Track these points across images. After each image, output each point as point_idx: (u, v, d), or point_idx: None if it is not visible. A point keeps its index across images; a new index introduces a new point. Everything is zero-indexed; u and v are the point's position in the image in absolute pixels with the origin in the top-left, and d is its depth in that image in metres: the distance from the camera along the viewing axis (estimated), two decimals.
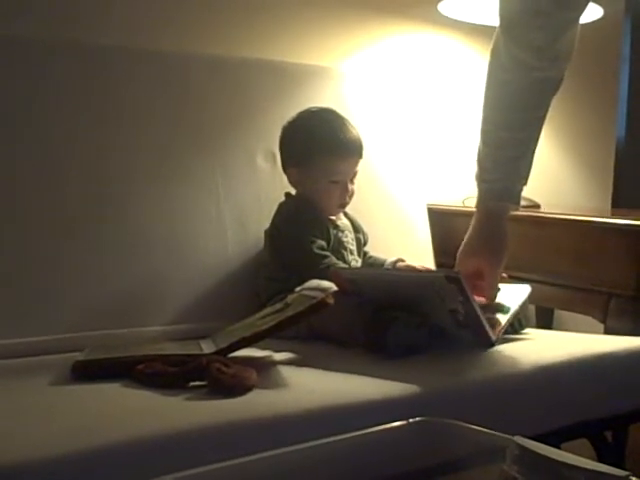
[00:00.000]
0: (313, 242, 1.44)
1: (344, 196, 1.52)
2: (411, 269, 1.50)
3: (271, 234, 1.51)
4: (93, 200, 1.44)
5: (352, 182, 1.53)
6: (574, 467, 0.68)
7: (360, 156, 1.54)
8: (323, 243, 1.46)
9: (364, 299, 1.28)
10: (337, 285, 1.24)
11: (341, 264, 1.45)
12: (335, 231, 1.51)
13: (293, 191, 1.56)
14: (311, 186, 1.51)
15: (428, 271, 1.50)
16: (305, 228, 1.46)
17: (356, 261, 1.53)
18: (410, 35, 2.08)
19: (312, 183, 1.51)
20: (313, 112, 1.56)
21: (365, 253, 1.59)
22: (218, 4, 1.80)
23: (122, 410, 0.98)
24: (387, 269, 1.50)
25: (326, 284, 1.24)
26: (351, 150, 1.52)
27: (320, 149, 1.50)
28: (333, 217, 1.54)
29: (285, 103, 1.64)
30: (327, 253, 1.45)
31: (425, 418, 0.89)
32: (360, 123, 1.72)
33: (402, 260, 1.55)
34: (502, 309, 1.34)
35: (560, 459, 0.69)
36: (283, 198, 1.54)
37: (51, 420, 0.94)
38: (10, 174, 1.39)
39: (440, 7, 1.96)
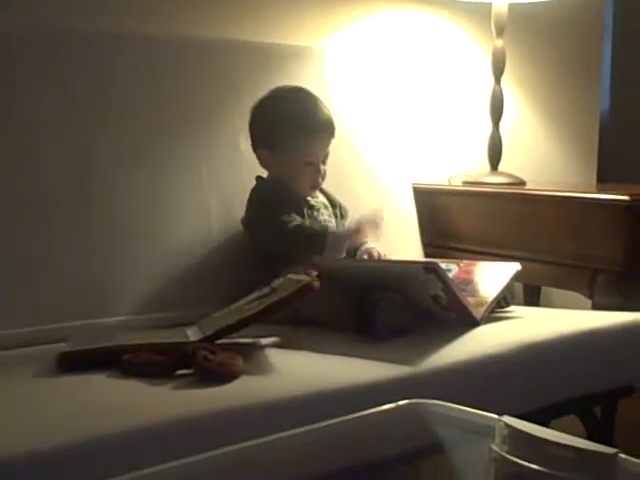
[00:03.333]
0: (277, 216, 1.42)
1: (316, 178, 1.50)
2: (386, 260, 1.48)
3: (245, 221, 1.50)
4: (75, 187, 1.43)
5: (324, 163, 1.50)
6: (563, 446, 0.67)
7: (332, 136, 1.51)
8: (286, 215, 1.43)
9: (347, 286, 1.27)
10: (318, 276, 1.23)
11: (311, 222, 1.43)
12: (310, 210, 1.49)
13: (265, 174, 1.54)
14: (282, 168, 1.49)
15: (406, 262, 1.48)
16: (276, 209, 1.44)
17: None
18: (392, 13, 2.06)
19: (283, 165, 1.49)
20: (284, 90, 1.53)
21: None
22: None
23: (109, 401, 0.97)
24: (365, 260, 1.47)
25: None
26: (322, 130, 1.49)
27: (290, 129, 1.47)
28: (308, 197, 1.52)
29: (267, 84, 1.62)
30: (291, 219, 1.42)
31: (413, 401, 0.88)
32: (343, 103, 1.71)
33: (372, 253, 1.49)
34: None
35: (549, 438, 0.68)
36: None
37: (37, 413, 0.94)
38: None
39: None
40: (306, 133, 1.47)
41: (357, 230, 1.42)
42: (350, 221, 1.54)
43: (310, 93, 1.53)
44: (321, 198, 1.55)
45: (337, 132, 1.52)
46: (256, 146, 1.53)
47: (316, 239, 1.39)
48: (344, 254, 1.43)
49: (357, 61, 1.87)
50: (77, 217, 1.41)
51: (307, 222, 1.46)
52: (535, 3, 2.02)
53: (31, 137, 1.41)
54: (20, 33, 1.45)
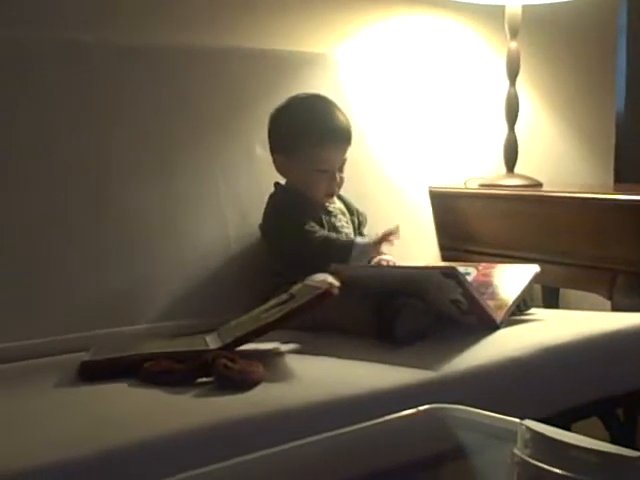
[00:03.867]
0: (300, 223, 1.43)
1: (332, 185, 1.49)
2: (404, 266, 1.48)
3: (263, 227, 1.51)
4: (93, 197, 1.43)
5: (341, 170, 1.50)
6: (585, 449, 0.67)
7: (348, 143, 1.51)
8: (311, 223, 1.44)
9: (367, 292, 1.27)
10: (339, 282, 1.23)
11: (337, 235, 1.44)
12: (327, 217, 1.50)
13: (282, 180, 1.54)
14: (297, 174, 1.49)
15: (424, 267, 1.48)
16: (295, 215, 1.44)
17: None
18: (405, 17, 2.05)
19: (298, 171, 1.49)
20: (301, 98, 1.53)
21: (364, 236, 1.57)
22: None
23: (129, 411, 0.97)
24: (384, 266, 1.46)
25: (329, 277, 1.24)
26: (337, 138, 1.49)
27: (305, 136, 1.47)
28: (325, 204, 1.52)
29: (281, 92, 1.62)
30: (316, 229, 1.43)
31: (434, 405, 0.88)
32: (358, 108, 1.71)
33: (385, 260, 1.49)
34: None
35: (571, 441, 0.68)
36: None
37: (58, 424, 0.94)
38: (10, 172, 1.37)
39: None
40: (320, 140, 1.47)
41: (380, 241, 1.43)
42: (369, 232, 1.55)
43: (328, 100, 1.53)
44: (338, 204, 1.55)
45: (352, 137, 1.52)
46: (273, 152, 1.53)
47: (342, 251, 1.40)
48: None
49: (371, 66, 1.87)
50: (94, 226, 1.42)
51: (325, 229, 1.46)
52: (549, 4, 2.01)
53: (45, 145, 1.41)
54: (36, 43, 1.46)
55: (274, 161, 1.53)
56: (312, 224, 1.44)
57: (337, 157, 1.49)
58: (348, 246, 1.42)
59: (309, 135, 1.47)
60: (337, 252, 1.40)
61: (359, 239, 1.46)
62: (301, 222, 1.43)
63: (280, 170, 1.53)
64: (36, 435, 0.90)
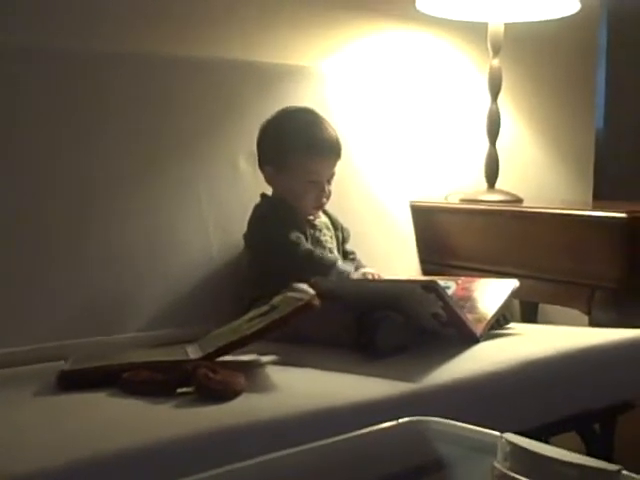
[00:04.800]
0: (286, 234, 1.43)
1: (320, 197, 1.51)
2: (385, 280, 1.49)
3: (247, 237, 1.51)
4: (76, 207, 1.43)
5: (329, 183, 1.52)
6: (566, 463, 0.68)
7: (338, 157, 1.52)
8: (297, 234, 1.45)
9: (347, 304, 1.28)
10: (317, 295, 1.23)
11: (321, 251, 1.45)
12: (312, 230, 1.50)
13: (269, 192, 1.54)
14: (287, 185, 1.50)
15: (405, 281, 1.49)
16: (280, 225, 1.45)
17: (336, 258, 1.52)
18: (389, 33, 2.07)
19: (288, 182, 1.50)
20: (292, 111, 1.55)
21: (346, 252, 1.58)
22: (196, 6, 1.79)
23: (109, 421, 0.97)
24: (364, 279, 1.48)
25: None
26: (327, 150, 1.50)
27: (296, 147, 1.49)
28: (310, 217, 1.53)
29: (265, 104, 1.63)
30: (302, 242, 1.44)
31: (414, 418, 0.89)
32: (341, 121, 1.72)
33: (370, 274, 1.51)
34: None
35: (551, 455, 0.68)
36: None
37: (35, 434, 0.93)
38: None
39: (418, 4, 1.95)
40: (311, 152, 1.48)
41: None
42: (352, 247, 1.58)
43: (317, 114, 1.54)
44: (324, 219, 1.56)
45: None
46: (262, 163, 1.54)
47: (322, 269, 1.41)
48: None
49: (355, 80, 1.88)
50: (76, 236, 1.41)
51: (309, 242, 1.47)
52: (531, 23, 2.03)
53: (28, 155, 1.41)
54: (22, 52, 1.45)
55: (263, 172, 1.53)
56: (298, 235, 1.45)
57: (327, 169, 1.51)
58: (329, 266, 1.43)
59: (300, 146, 1.48)
60: (317, 269, 1.40)
61: (341, 264, 1.46)
62: (286, 232, 1.44)
63: (269, 181, 1.53)
64: (13, 444, 0.90)
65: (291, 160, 1.48)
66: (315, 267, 1.40)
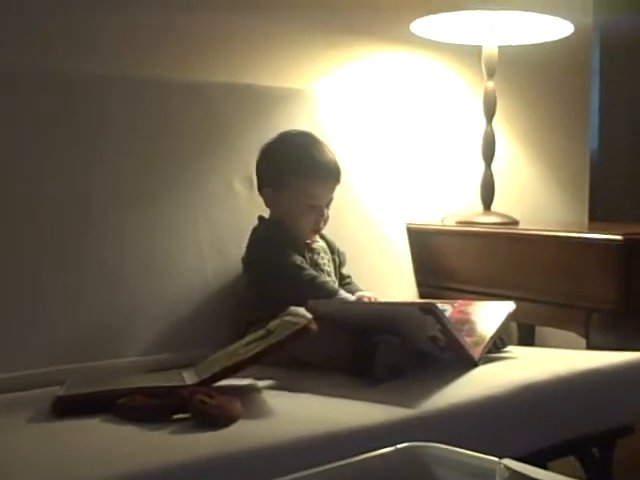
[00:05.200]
0: (289, 257, 1.43)
1: (319, 221, 1.51)
2: (382, 303, 1.49)
3: (247, 260, 1.50)
4: (71, 230, 1.42)
5: (328, 208, 1.52)
6: None
7: (337, 181, 1.53)
8: (300, 258, 1.45)
9: (344, 328, 1.27)
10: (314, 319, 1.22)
11: (323, 277, 1.44)
12: (310, 254, 1.50)
13: (267, 215, 1.54)
14: (285, 208, 1.50)
15: (402, 303, 1.49)
16: (281, 248, 1.45)
17: (334, 282, 1.52)
18: (384, 55, 2.08)
19: (286, 205, 1.50)
20: (293, 134, 1.55)
21: (342, 276, 1.58)
22: (191, 30, 1.79)
23: (103, 447, 0.96)
24: (361, 303, 1.48)
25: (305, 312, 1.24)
26: (327, 174, 1.51)
27: (296, 171, 1.49)
28: (308, 240, 1.53)
29: (260, 127, 1.64)
30: (306, 266, 1.44)
31: (412, 444, 0.88)
32: (336, 144, 1.72)
33: (367, 297, 1.50)
34: None
35: None
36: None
37: (30, 460, 0.92)
38: None
39: (412, 27, 1.97)
40: (311, 176, 1.48)
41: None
42: (348, 271, 1.58)
43: (317, 138, 1.55)
44: (321, 242, 1.56)
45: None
46: (261, 186, 1.54)
47: (324, 296, 1.39)
48: None
49: (350, 103, 1.89)
50: (72, 259, 1.41)
51: (308, 266, 1.46)
52: (525, 46, 2.05)
53: (23, 176, 1.41)
54: (20, 73, 1.47)
55: (262, 195, 1.54)
56: (301, 259, 1.45)
57: (326, 193, 1.51)
58: (332, 294, 1.42)
59: (299, 169, 1.49)
60: (319, 295, 1.38)
61: (343, 293, 1.45)
62: (288, 256, 1.44)
63: (268, 204, 1.53)
64: (8, 470, 0.89)
65: (290, 183, 1.49)
66: (317, 293, 1.39)
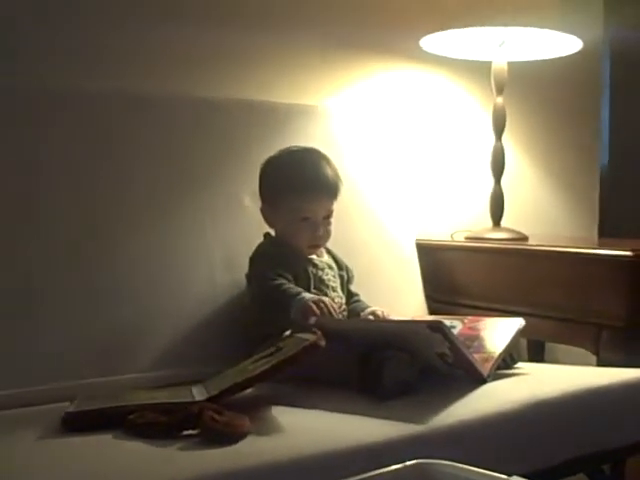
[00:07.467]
0: (268, 271, 1.42)
1: (315, 236, 1.50)
2: (390, 320, 1.48)
3: (247, 276, 1.51)
4: (79, 245, 1.43)
5: (327, 222, 1.51)
6: None
7: (330, 196, 1.51)
8: (285, 273, 1.43)
9: (352, 344, 1.27)
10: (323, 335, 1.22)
11: (297, 289, 1.40)
12: (314, 270, 1.50)
13: (272, 231, 1.55)
14: (281, 224, 1.51)
15: (410, 321, 1.48)
16: (266, 264, 1.45)
17: (340, 298, 1.52)
18: (394, 72, 2.09)
19: (282, 221, 1.51)
20: (291, 151, 1.55)
21: (351, 293, 1.57)
22: (202, 46, 1.81)
23: (113, 464, 0.96)
24: (369, 320, 1.48)
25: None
26: (316, 189, 1.49)
27: (284, 187, 1.49)
28: (312, 256, 1.52)
29: (272, 143, 1.64)
30: (283, 281, 1.41)
31: (421, 460, 0.87)
32: (347, 160, 1.73)
33: (376, 313, 1.50)
34: None
35: None
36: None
37: (41, 475, 0.93)
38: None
39: (423, 44, 1.97)
40: (299, 191, 1.48)
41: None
42: (356, 285, 1.57)
43: (318, 153, 1.54)
44: (326, 258, 1.55)
45: (340, 190, 1.53)
46: (261, 202, 1.55)
47: (284, 300, 1.38)
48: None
49: (361, 119, 1.89)
50: (81, 276, 1.41)
51: (312, 281, 1.46)
52: (534, 61, 2.05)
53: (32, 192, 1.42)
54: (30, 92, 1.48)
55: (261, 212, 1.54)
56: (279, 272, 1.43)
57: (318, 208, 1.50)
58: (290, 296, 1.38)
59: (289, 186, 1.49)
60: (280, 300, 1.38)
61: (305, 294, 1.40)
62: (266, 270, 1.43)
63: (266, 220, 1.54)
64: None
65: (283, 199, 1.49)
66: (281, 298, 1.38)
